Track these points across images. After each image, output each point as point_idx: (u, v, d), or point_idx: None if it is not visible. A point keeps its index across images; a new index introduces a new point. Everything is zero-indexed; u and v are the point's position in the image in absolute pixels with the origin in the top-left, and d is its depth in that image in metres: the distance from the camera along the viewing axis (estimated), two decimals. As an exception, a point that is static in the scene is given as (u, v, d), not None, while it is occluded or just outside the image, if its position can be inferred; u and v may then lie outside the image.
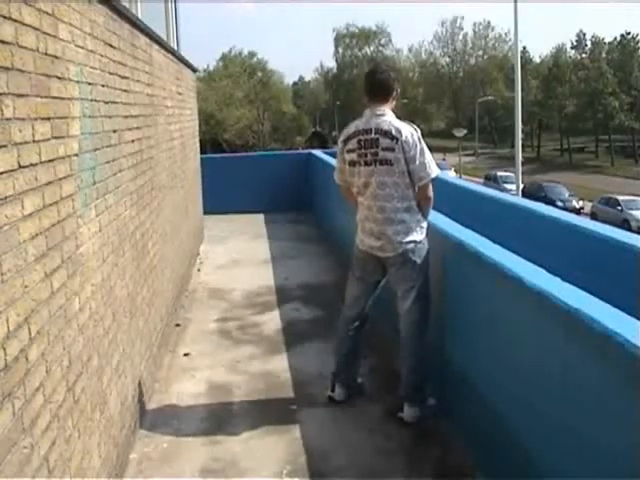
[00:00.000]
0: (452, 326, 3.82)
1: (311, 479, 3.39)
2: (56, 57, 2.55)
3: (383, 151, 3.70)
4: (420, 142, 3.72)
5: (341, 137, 3.96)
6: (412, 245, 3.76)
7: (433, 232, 3.96)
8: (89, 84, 3.06)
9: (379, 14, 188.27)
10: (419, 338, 3.87)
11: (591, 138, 71.22)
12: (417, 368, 3.89)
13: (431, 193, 3.85)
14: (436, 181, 3.97)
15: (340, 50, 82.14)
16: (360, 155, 3.78)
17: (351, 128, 3.87)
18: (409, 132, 3.71)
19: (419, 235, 3.80)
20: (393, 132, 3.69)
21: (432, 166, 3.77)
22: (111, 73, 3.58)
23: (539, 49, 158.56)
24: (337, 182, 4.10)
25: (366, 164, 3.77)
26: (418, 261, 3.78)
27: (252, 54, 73.58)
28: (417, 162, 3.70)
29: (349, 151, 3.85)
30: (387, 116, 3.78)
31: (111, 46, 3.61)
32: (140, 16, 5.21)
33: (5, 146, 1.98)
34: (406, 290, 3.84)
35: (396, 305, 3.94)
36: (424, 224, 3.85)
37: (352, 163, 3.84)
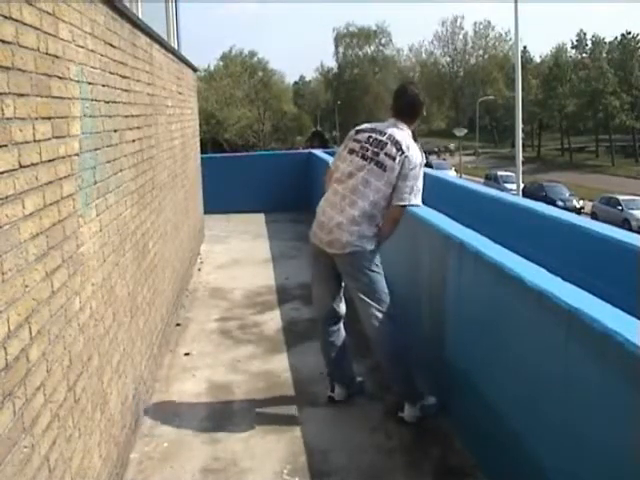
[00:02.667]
0: (453, 325, 3.82)
1: (312, 479, 3.40)
2: (56, 57, 2.55)
3: (384, 156, 3.73)
4: (419, 168, 3.76)
5: (358, 127, 4.03)
6: (359, 249, 3.69)
7: (434, 232, 3.96)
8: (90, 84, 3.07)
9: (379, 14, 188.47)
10: (387, 338, 3.80)
11: (591, 138, 71.23)
12: (397, 367, 3.86)
13: (400, 217, 3.79)
14: (438, 181, 3.98)
15: (340, 50, 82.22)
16: (362, 148, 3.83)
17: (370, 125, 3.98)
18: (416, 155, 3.76)
19: (369, 245, 3.71)
20: (402, 145, 3.74)
21: (417, 196, 3.75)
22: (112, 73, 3.58)
23: (539, 49, 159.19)
24: (330, 166, 4.08)
25: (363, 158, 3.79)
26: (366, 264, 3.72)
27: (252, 53, 73.65)
28: (407, 182, 3.70)
29: (356, 140, 3.90)
30: (405, 132, 3.85)
31: (112, 46, 3.61)
32: (141, 16, 5.20)
33: (6, 146, 1.98)
34: (361, 294, 3.77)
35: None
36: (378, 241, 3.77)
37: (351, 151, 3.88)
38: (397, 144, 3.75)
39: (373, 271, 3.75)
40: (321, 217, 3.85)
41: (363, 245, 3.70)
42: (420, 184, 3.77)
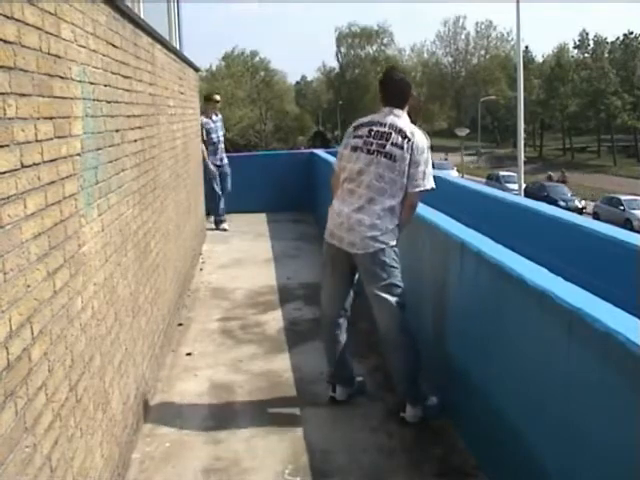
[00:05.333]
0: (455, 325, 3.82)
1: (313, 478, 3.40)
2: (58, 57, 2.55)
3: (391, 146, 3.71)
4: (428, 152, 3.77)
5: (355, 123, 3.98)
6: (383, 246, 3.70)
7: (435, 232, 3.96)
8: (91, 84, 3.07)
9: (381, 14, 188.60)
10: (405, 336, 3.80)
11: (593, 138, 71.22)
12: (411, 366, 3.85)
13: (417, 203, 3.82)
14: (439, 181, 3.98)
15: (342, 49, 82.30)
16: (365, 143, 3.79)
17: (367, 118, 3.92)
18: (421, 138, 3.76)
19: (392, 240, 3.73)
20: (407, 132, 3.73)
21: (430, 179, 3.77)
22: (113, 73, 3.58)
23: (541, 48, 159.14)
24: (335, 169, 4.05)
25: (368, 152, 3.76)
26: (387, 261, 3.71)
27: (254, 53, 73.81)
28: (419, 168, 3.70)
29: (357, 137, 3.86)
30: (403, 118, 3.83)
31: (113, 46, 3.62)
32: (142, 15, 5.21)
33: (7, 145, 1.99)
34: (379, 290, 3.75)
35: (372, 308, 3.86)
36: (398, 232, 3.79)
37: (354, 148, 3.84)
38: (401, 132, 3.74)
39: (393, 267, 3.74)
40: (338, 218, 3.82)
41: (386, 240, 3.70)
42: (430, 168, 3.79)
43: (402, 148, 3.70)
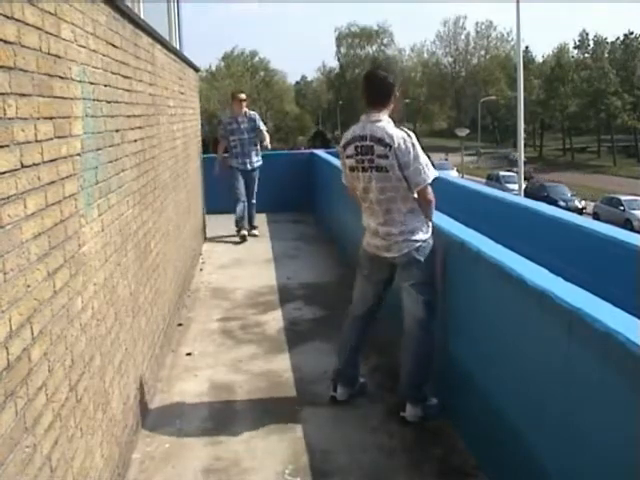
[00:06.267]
0: (455, 326, 3.82)
1: (313, 478, 3.40)
2: (58, 57, 2.55)
3: (378, 158, 3.70)
4: (414, 147, 3.68)
5: (341, 142, 3.98)
6: (418, 244, 3.77)
7: (435, 231, 3.96)
8: (91, 84, 3.07)
9: (381, 14, 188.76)
10: (424, 335, 3.85)
11: (593, 138, 71.25)
12: (420, 366, 3.88)
13: (431, 196, 3.81)
14: (439, 181, 3.97)
15: (342, 50, 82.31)
16: (358, 161, 3.80)
17: (349, 133, 3.88)
18: (402, 138, 3.67)
19: (424, 234, 3.80)
20: (386, 139, 3.67)
21: (428, 170, 3.72)
22: (113, 73, 3.58)
23: (541, 49, 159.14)
24: (344, 184, 4.11)
25: (364, 170, 3.78)
26: (422, 259, 3.78)
27: (254, 53, 73.88)
28: (411, 168, 3.67)
29: (348, 157, 3.87)
30: (382, 122, 3.74)
31: (113, 46, 3.62)
32: (142, 16, 5.21)
33: (8, 146, 1.99)
34: (410, 286, 3.82)
35: (401, 302, 3.93)
36: (429, 223, 3.86)
37: (352, 169, 3.87)
38: (380, 141, 3.68)
39: (427, 266, 3.81)
40: (369, 229, 3.94)
41: (418, 238, 3.77)
42: (423, 159, 3.72)
43: (387, 157, 3.67)
